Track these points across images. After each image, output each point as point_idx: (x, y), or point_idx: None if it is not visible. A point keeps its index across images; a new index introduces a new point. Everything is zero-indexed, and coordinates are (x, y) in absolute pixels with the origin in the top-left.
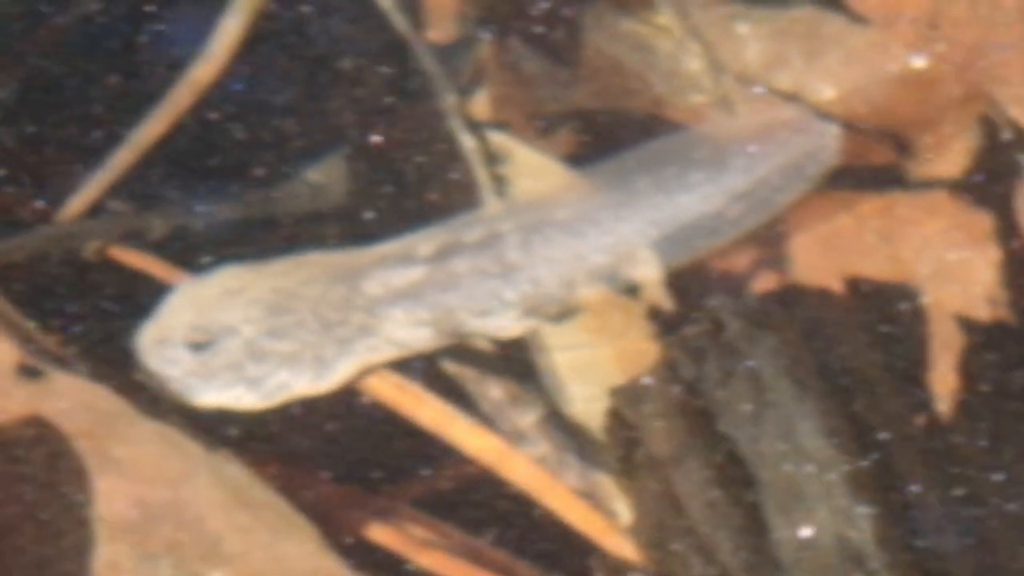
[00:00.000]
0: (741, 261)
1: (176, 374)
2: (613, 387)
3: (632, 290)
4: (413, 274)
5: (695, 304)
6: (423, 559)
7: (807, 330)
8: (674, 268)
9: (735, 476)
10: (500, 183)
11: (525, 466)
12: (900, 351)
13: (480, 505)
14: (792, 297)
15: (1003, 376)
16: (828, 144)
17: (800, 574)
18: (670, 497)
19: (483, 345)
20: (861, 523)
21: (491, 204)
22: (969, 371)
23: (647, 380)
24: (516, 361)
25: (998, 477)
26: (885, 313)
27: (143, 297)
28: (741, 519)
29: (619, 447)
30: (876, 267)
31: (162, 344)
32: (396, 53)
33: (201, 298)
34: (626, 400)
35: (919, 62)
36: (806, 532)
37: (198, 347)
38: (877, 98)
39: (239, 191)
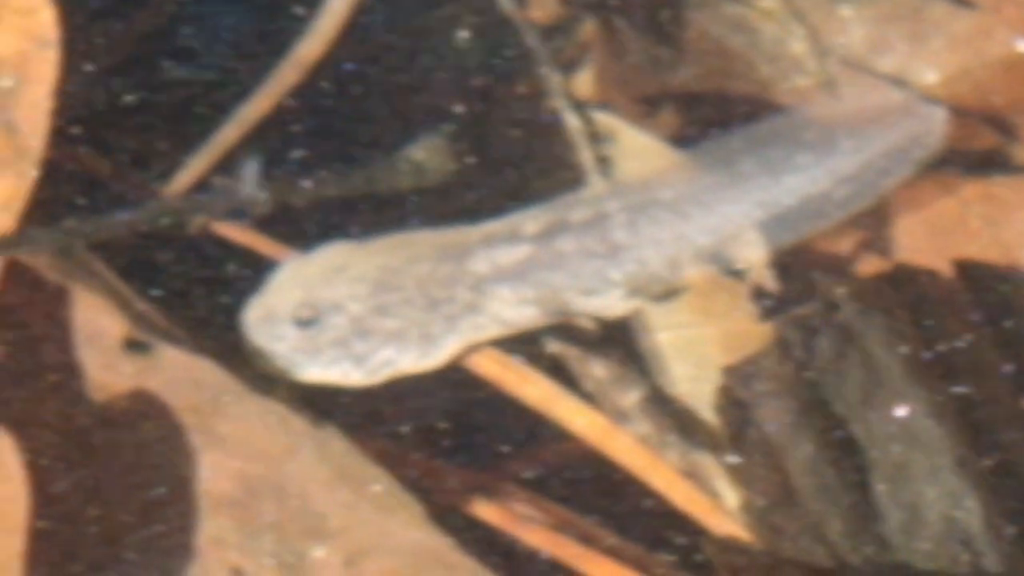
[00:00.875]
0: (845, 243)
1: (282, 350)
2: (725, 366)
3: (737, 271)
4: (519, 253)
5: (800, 286)
6: (528, 536)
7: (915, 311)
8: (779, 250)
9: (845, 455)
10: (605, 163)
11: (629, 445)
12: (1005, 333)
13: (585, 483)
14: (900, 279)
15: None
16: (935, 128)
17: (908, 554)
18: (781, 476)
19: (586, 324)
20: (969, 504)
21: (596, 184)
22: None
23: (759, 359)
24: (619, 340)
25: None
26: (989, 296)
27: (248, 273)
28: (851, 499)
29: (730, 426)
30: (980, 250)
31: (268, 320)
32: (500, 32)
33: (307, 274)
34: (738, 379)
35: None
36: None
37: (304, 323)
38: (981, 82)
39: (343, 168)
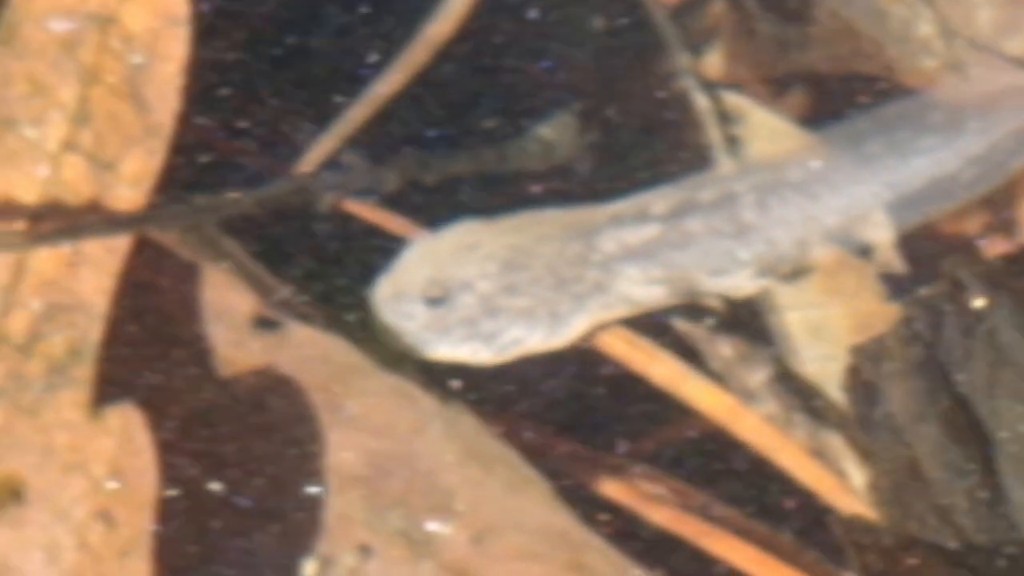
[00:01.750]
0: (971, 224)
1: (412, 328)
2: (854, 345)
3: (865, 251)
4: (648, 232)
5: (927, 266)
6: (655, 515)
7: None
8: (907, 230)
9: (972, 436)
10: (733, 143)
11: (757, 424)
12: None
13: (712, 462)
14: None
15: None
16: None
17: None
18: (908, 456)
19: (714, 304)
20: None
21: (725, 164)
22: None
23: (887, 339)
24: (747, 320)
25: None
26: None
27: (378, 250)
28: (977, 479)
29: (858, 405)
30: None
31: (398, 298)
32: (630, 11)
33: (437, 253)
34: (866, 359)
35: None
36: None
37: (434, 301)
38: None
39: (472, 147)
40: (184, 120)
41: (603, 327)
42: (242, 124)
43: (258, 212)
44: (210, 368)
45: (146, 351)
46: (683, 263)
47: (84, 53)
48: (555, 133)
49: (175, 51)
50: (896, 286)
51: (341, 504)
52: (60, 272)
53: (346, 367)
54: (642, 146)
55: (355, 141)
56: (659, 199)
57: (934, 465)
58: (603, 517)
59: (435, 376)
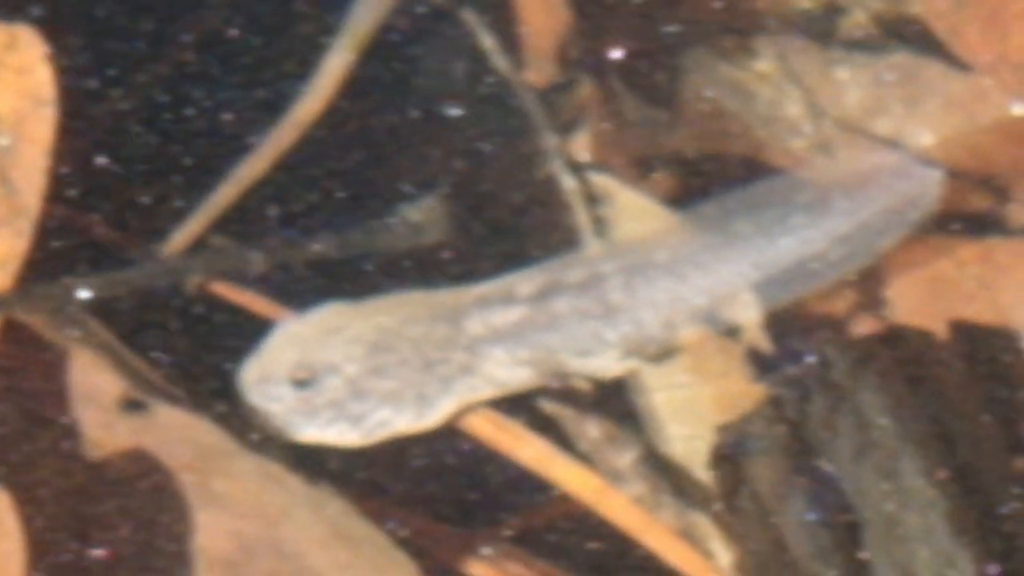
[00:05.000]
0: (840, 304)
1: (278, 410)
2: (718, 425)
3: (732, 332)
4: (514, 314)
5: (795, 345)
6: None
7: (909, 372)
8: (774, 310)
9: (838, 515)
10: (601, 224)
11: (624, 505)
12: (1000, 395)
13: (578, 543)
14: (894, 339)
15: None
16: (930, 189)
17: None
18: (774, 536)
19: (582, 385)
20: (962, 565)
21: (592, 245)
22: None
23: (752, 418)
24: (614, 401)
25: None
26: (985, 357)
27: (244, 332)
28: (843, 558)
29: (723, 486)
30: (976, 312)
31: (265, 380)
32: (497, 93)
33: (303, 335)
34: (731, 438)
35: (1020, 109)
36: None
37: (300, 384)
38: (976, 145)
39: (339, 229)
40: (51, 202)
41: (471, 409)
42: (108, 206)
43: (125, 294)
44: (78, 450)
45: (13, 433)
46: (550, 344)
47: None
48: (422, 215)
49: (41, 133)
50: (763, 366)
51: None
52: None
53: (213, 448)
54: (509, 227)
55: (222, 223)
56: (525, 280)
57: (800, 544)
58: None
59: (302, 458)
